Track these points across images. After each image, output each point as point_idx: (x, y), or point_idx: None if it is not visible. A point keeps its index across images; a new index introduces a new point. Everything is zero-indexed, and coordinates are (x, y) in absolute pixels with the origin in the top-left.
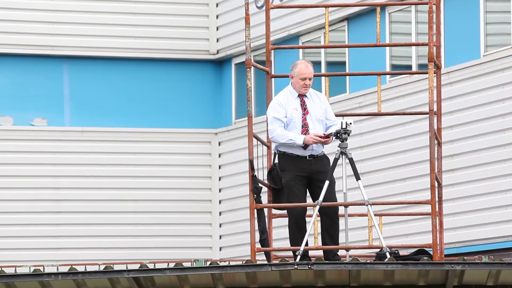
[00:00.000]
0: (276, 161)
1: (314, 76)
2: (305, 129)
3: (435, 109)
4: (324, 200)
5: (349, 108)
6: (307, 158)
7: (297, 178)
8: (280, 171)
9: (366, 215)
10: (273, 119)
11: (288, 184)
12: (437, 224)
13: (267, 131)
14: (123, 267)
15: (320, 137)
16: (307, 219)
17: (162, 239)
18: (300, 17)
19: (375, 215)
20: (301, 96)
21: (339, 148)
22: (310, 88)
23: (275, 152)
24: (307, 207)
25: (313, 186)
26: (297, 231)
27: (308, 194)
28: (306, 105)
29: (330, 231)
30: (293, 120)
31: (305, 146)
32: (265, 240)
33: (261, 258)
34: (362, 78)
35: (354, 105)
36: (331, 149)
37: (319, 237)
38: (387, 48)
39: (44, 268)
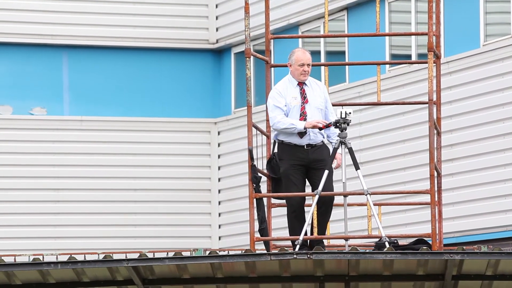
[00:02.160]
0: (276, 150)
1: (314, 65)
2: (303, 117)
3: (434, 99)
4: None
5: (348, 98)
6: (305, 147)
7: (294, 167)
8: (278, 160)
9: (365, 205)
10: (273, 107)
11: (286, 173)
12: (436, 214)
13: (267, 120)
14: (122, 257)
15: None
16: (305, 208)
17: (162, 229)
18: (299, 7)
19: (374, 204)
20: (301, 84)
21: (338, 138)
22: (310, 77)
23: (274, 141)
24: (306, 197)
25: (311, 175)
26: (295, 220)
27: (308, 183)
28: (306, 94)
29: (318, 217)
30: (291, 109)
31: (303, 133)
32: (264, 230)
33: (260, 247)
34: (362, 67)
35: (353, 95)
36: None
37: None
38: (387, 37)
39: (43, 257)
